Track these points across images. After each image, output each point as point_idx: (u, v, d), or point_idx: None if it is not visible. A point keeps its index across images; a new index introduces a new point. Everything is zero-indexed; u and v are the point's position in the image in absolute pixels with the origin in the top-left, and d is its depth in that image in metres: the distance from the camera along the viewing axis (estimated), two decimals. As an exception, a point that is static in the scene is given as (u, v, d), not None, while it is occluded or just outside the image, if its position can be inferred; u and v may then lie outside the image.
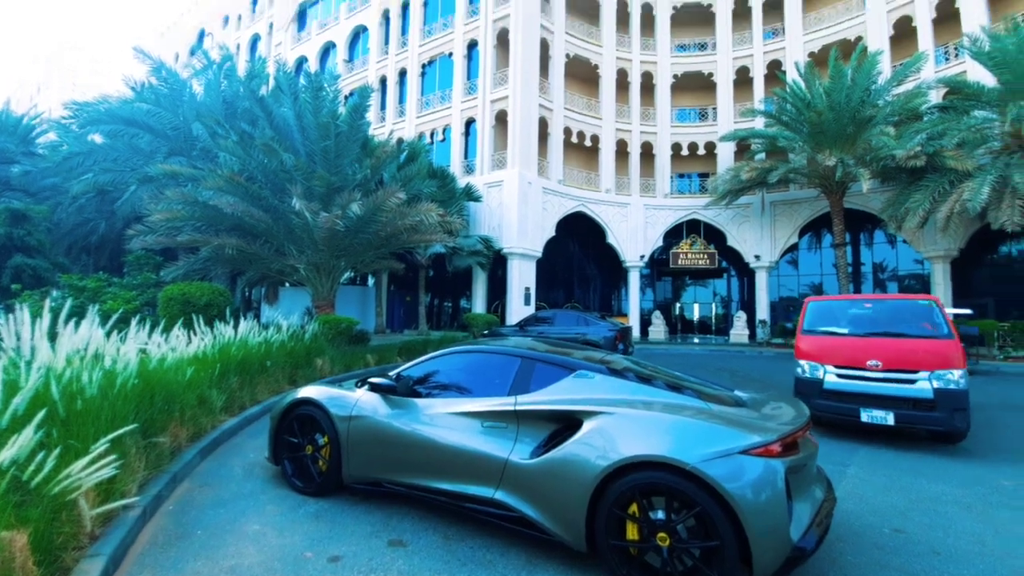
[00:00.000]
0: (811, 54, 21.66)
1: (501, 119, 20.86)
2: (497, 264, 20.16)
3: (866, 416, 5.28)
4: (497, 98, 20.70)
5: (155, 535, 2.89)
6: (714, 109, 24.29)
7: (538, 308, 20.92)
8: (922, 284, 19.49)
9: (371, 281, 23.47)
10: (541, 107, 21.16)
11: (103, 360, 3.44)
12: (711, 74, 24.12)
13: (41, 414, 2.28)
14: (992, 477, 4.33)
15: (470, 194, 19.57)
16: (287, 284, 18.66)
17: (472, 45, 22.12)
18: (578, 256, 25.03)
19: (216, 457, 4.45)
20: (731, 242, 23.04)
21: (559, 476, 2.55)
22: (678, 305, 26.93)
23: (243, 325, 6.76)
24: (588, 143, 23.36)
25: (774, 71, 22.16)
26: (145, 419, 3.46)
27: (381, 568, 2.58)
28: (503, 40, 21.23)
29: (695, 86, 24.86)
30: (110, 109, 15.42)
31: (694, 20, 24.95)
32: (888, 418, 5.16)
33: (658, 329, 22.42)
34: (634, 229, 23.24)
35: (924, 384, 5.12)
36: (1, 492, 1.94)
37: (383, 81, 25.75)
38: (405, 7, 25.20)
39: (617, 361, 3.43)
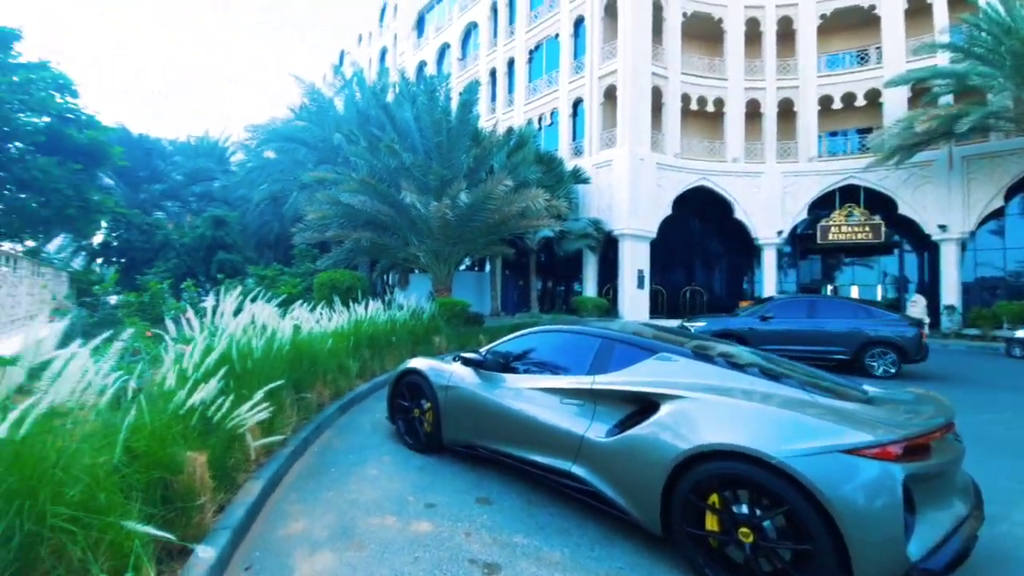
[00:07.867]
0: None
1: (610, 95, 20.03)
2: (608, 246, 19.67)
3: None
4: (605, 73, 19.91)
5: (302, 469, 3.61)
6: (878, 49, 19.89)
7: (653, 291, 20.02)
8: None
9: (488, 268, 24.79)
10: (654, 75, 19.72)
11: (267, 331, 4.32)
12: (873, 6, 19.76)
13: (224, 370, 3.00)
14: None
15: (577, 176, 19.39)
16: (416, 271, 20.75)
17: (579, 21, 21.51)
18: (698, 235, 23.04)
19: (351, 414, 5.29)
20: (904, 210, 18.85)
21: (633, 457, 2.53)
22: (830, 288, 22.67)
23: (371, 306, 7.78)
24: (710, 108, 21.12)
25: (970, -15, 17.23)
26: (295, 378, 4.27)
27: (467, 519, 2.86)
28: (611, 10, 20.19)
29: (850, 23, 20.69)
30: (275, 129, 18.81)
31: (850, -58, 20.60)
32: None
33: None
34: (769, 201, 20.48)
35: None
36: (193, 423, 2.64)
37: (492, 73, 26.59)
38: (512, -5, 25.59)
39: (734, 352, 3.20)
